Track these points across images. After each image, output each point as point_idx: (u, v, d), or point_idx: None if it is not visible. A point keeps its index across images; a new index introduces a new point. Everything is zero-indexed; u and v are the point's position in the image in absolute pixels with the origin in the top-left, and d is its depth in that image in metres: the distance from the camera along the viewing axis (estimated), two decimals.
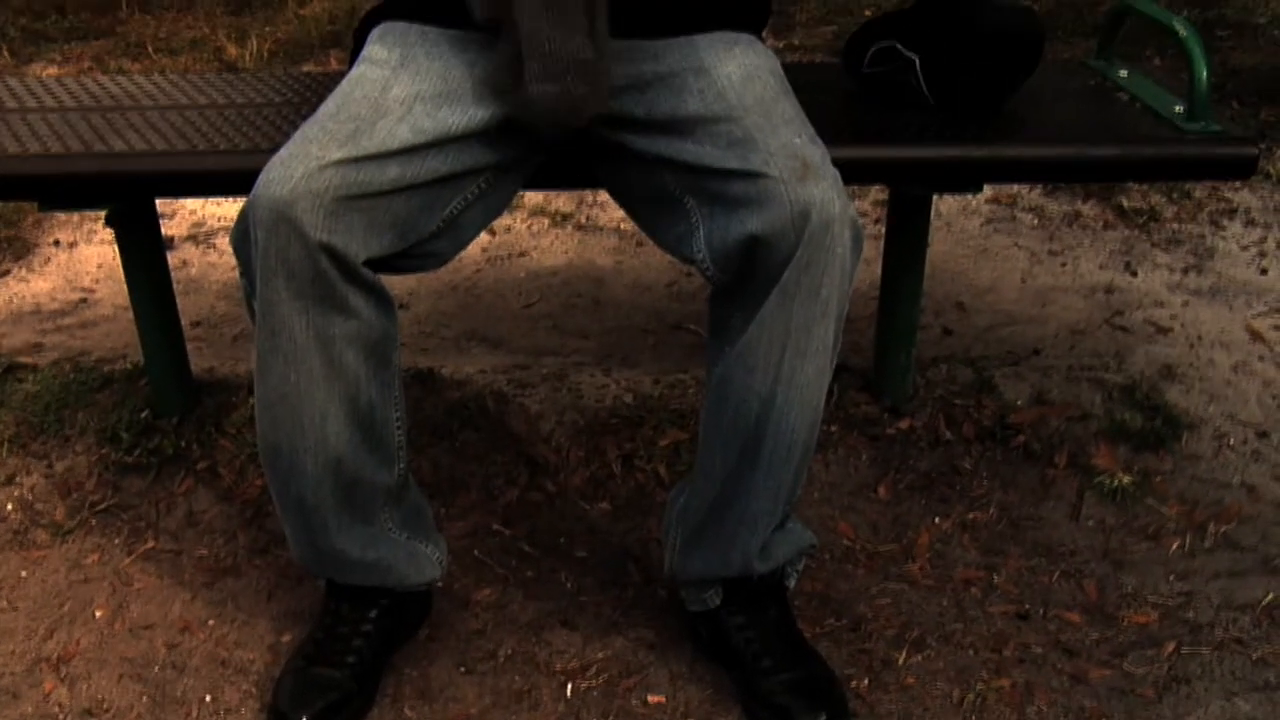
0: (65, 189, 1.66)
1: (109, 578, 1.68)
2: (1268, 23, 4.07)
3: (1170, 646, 1.55)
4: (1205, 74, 1.67)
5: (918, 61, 1.72)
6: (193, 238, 2.69)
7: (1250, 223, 2.69)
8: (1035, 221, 2.72)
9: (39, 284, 2.50)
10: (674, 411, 1.98)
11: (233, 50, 3.86)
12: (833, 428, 1.94)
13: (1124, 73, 1.91)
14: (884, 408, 1.99)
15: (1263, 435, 1.96)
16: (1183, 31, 1.70)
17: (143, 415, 1.96)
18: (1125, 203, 2.77)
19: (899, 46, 1.75)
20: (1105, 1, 4.25)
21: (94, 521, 1.78)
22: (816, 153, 1.31)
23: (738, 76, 1.39)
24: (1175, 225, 2.68)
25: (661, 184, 1.38)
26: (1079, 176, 2.36)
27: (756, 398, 1.33)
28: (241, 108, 1.79)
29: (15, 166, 1.62)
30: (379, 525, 1.47)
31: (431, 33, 1.44)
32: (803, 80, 1.61)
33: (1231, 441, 1.94)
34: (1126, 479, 1.84)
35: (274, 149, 1.32)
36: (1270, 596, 1.63)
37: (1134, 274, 2.48)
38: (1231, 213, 2.73)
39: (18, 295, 2.45)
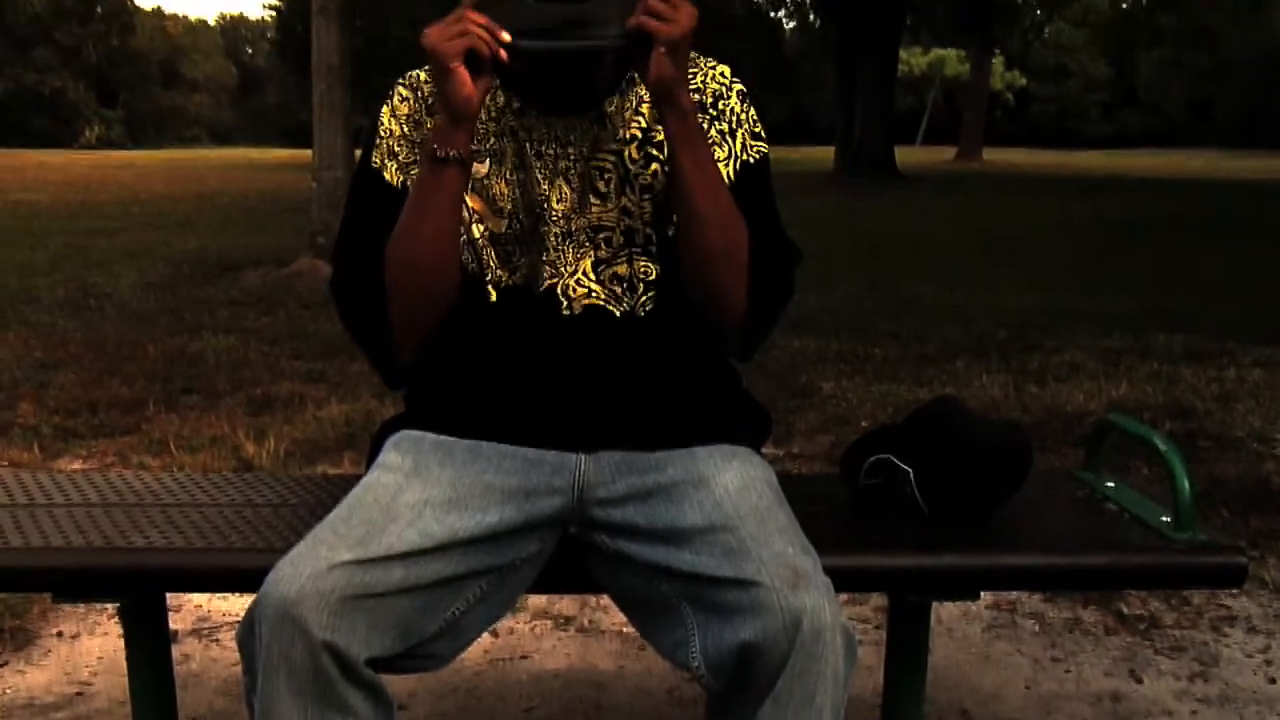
0: (81, 582, 1.70)
1: None
2: (1246, 435, 4.22)
3: None
4: (1187, 486, 1.74)
5: (912, 474, 1.80)
6: (196, 632, 2.69)
7: (1252, 630, 2.68)
8: (1036, 628, 2.72)
9: (36, 676, 2.48)
10: None
11: (250, 448, 4.00)
12: None
13: (1111, 484, 1.99)
14: None
15: None
16: (1163, 447, 1.79)
17: None
18: (1125, 609, 2.78)
19: (894, 459, 1.83)
20: (1091, 413, 4.43)
21: None
22: (808, 562, 1.35)
23: (734, 487, 1.46)
24: (1177, 632, 2.68)
25: (659, 591, 1.42)
26: (1073, 585, 2.39)
27: None
28: (258, 507, 1.86)
29: (35, 559, 1.67)
30: None
31: (445, 442, 1.53)
32: (803, 490, 1.68)
33: None
34: None
35: (286, 548, 1.37)
36: None
37: (1139, 681, 2.45)
38: (1232, 620, 2.74)
39: (13, 687, 2.42)
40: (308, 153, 9.45)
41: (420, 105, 1.58)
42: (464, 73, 1.40)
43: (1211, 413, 4.56)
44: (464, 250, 1.55)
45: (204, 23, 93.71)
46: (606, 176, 1.55)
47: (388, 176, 1.57)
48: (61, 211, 15.33)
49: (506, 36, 1.40)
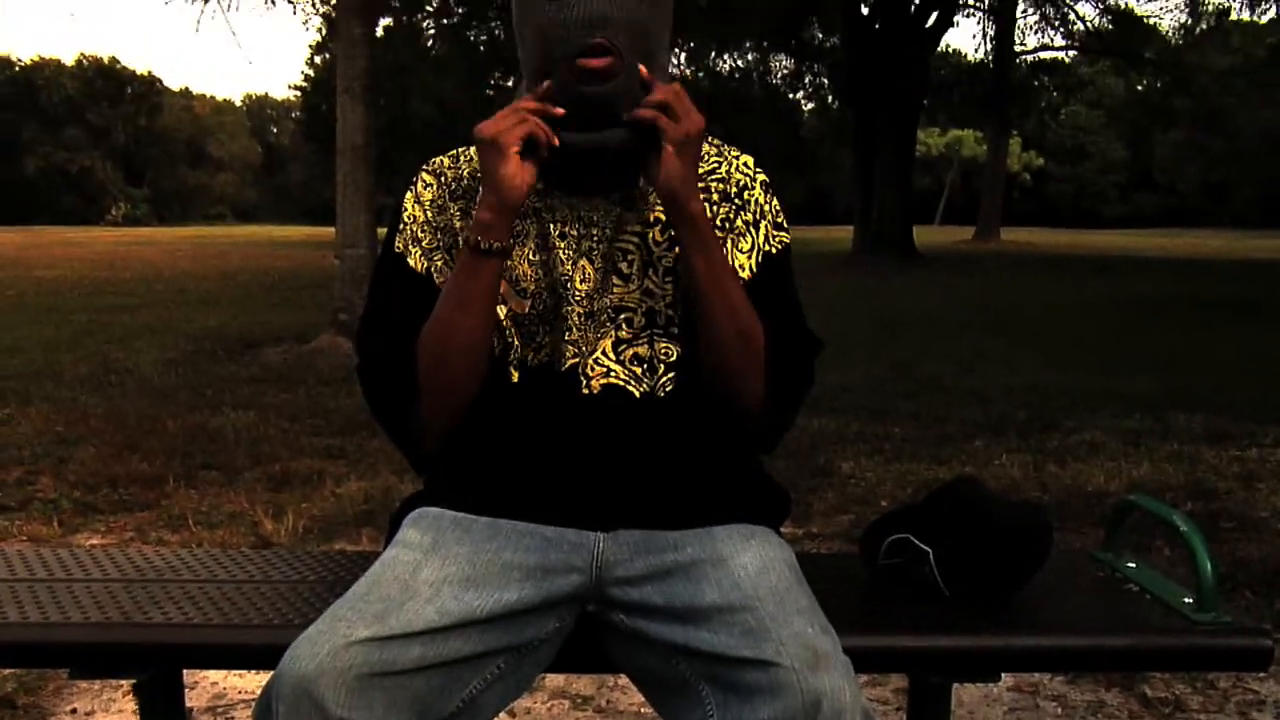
0: (99, 658, 1.70)
1: None
2: (1270, 515, 4.19)
3: None
4: (1209, 568, 1.72)
5: (932, 554, 1.79)
6: (212, 709, 2.68)
7: None
8: (1059, 710, 2.68)
9: None
10: None
11: (269, 525, 4.00)
12: None
13: (1132, 565, 1.97)
14: None
15: None
16: (1184, 527, 1.77)
17: None
18: (1149, 691, 2.74)
19: (914, 539, 1.82)
20: (1112, 493, 4.41)
21: None
22: (828, 642, 1.34)
23: (753, 567, 1.46)
24: (1203, 716, 2.63)
25: (677, 671, 1.41)
26: (1094, 666, 2.36)
27: None
28: (276, 584, 1.86)
29: (53, 635, 1.67)
30: None
31: (464, 519, 1.53)
32: (822, 570, 1.68)
33: None
34: None
35: (304, 624, 1.37)
36: None
37: None
38: (1260, 704, 2.69)
39: None
40: (329, 230, 9.56)
41: (444, 191, 1.62)
42: (519, 160, 1.44)
43: (1233, 493, 4.53)
44: None
45: (230, 103, 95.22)
46: (630, 258, 1.57)
47: (412, 262, 1.60)
48: (85, 288, 15.50)
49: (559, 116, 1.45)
